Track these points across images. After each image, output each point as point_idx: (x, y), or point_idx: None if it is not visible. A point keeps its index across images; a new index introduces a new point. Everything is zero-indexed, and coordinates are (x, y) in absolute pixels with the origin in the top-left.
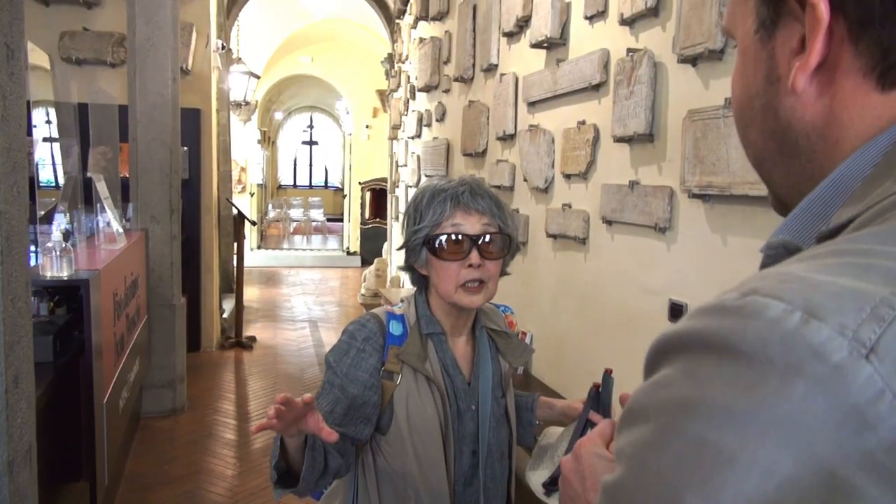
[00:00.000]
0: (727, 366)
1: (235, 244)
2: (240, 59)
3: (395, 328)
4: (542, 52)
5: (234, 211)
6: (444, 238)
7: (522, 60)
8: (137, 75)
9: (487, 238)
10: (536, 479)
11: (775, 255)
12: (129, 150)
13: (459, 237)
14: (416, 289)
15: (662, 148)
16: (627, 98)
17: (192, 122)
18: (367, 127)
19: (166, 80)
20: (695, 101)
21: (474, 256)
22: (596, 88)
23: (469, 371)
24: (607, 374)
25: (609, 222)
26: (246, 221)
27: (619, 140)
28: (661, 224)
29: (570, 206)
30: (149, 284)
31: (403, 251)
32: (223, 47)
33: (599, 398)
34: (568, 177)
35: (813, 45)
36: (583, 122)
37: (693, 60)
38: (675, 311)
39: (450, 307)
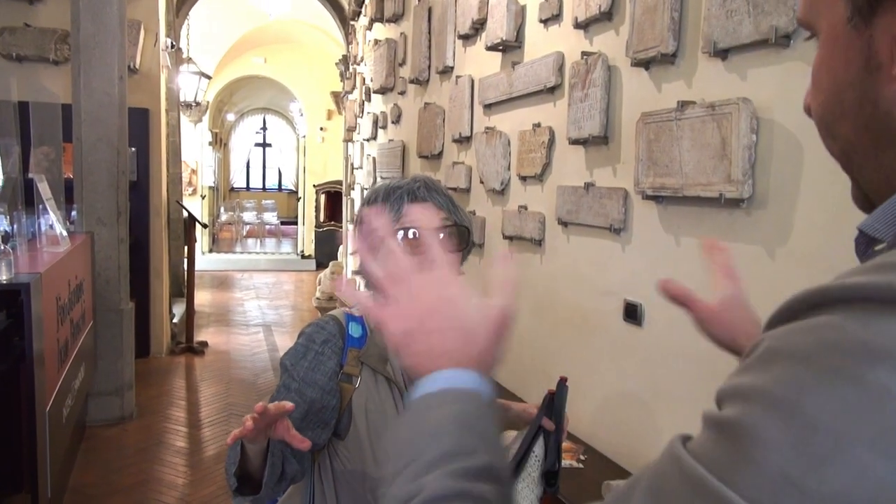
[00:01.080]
0: None
1: (186, 247)
2: (190, 58)
3: (355, 330)
4: (498, 55)
5: (185, 214)
6: (400, 234)
7: (478, 63)
8: (82, 73)
9: (445, 233)
10: None
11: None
12: (74, 151)
13: (417, 233)
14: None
15: (617, 150)
16: (582, 101)
17: (140, 123)
18: (321, 129)
19: (113, 78)
20: (648, 104)
21: (421, 248)
22: (551, 91)
23: None
24: (562, 381)
25: (565, 224)
26: (197, 224)
27: (574, 142)
28: (615, 225)
29: (526, 208)
30: (95, 289)
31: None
32: (172, 46)
33: (553, 405)
34: (524, 179)
35: None
36: (538, 125)
37: (646, 64)
38: (630, 311)
39: None
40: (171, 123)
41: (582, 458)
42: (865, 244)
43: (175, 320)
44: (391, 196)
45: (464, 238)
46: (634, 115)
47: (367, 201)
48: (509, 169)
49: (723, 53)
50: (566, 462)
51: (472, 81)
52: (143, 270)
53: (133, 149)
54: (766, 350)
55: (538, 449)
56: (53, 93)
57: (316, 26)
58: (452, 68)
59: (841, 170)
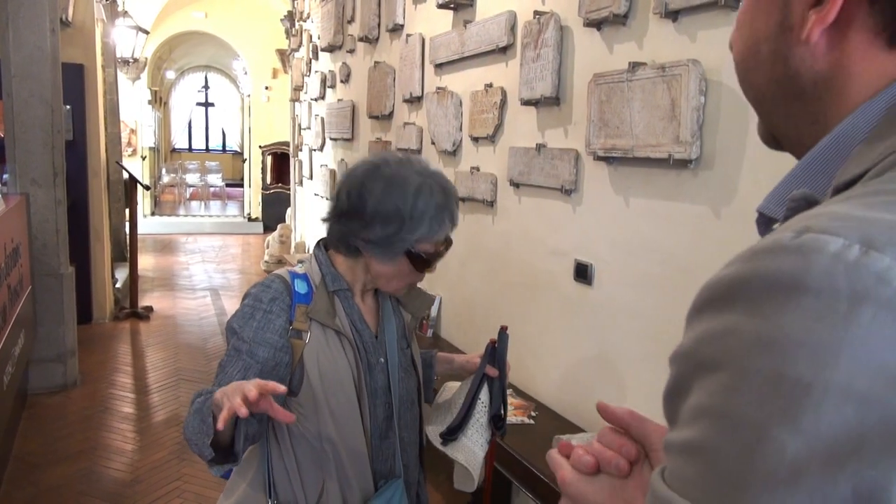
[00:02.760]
0: (794, 300)
1: (127, 210)
2: (126, 12)
3: (301, 286)
4: (450, 13)
5: (126, 175)
6: (430, 251)
7: (429, 21)
8: (10, 25)
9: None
10: (434, 431)
11: (796, 206)
12: (4, 108)
13: (437, 254)
14: (315, 246)
15: (568, 111)
16: (534, 61)
17: (75, 79)
18: (266, 88)
19: (44, 31)
20: (600, 65)
21: (434, 266)
22: (503, 51)
23: (375, 325)
24: (503, 330)
25: (516, 185)
26: (138, 186)
27: (526, 103)
28: (566, 186)
29: (478, 170)
30: (32, 253)
31: (341, 219)
32: None
33: (496, 353)
34: (476, 140)
35: (833, 1)
36: (490, 85)
37: (598, 24)
38: (581, 270)
39: (359, 268)
40: (108, 80)
41: (533, 414)
42: (764, 224)
43: (118, 285)
44: (439, 214)
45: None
46: (586, 76)
47: (405, 199)
48: (461, 130)
49: (673, 15)
50: (518, 418)
51: (423, 40)
52: (83, 234)
53: (68, 106)
54: (686, 368)
55: (484, 396)
56: None
57: None
58: (403, 26)
59: None
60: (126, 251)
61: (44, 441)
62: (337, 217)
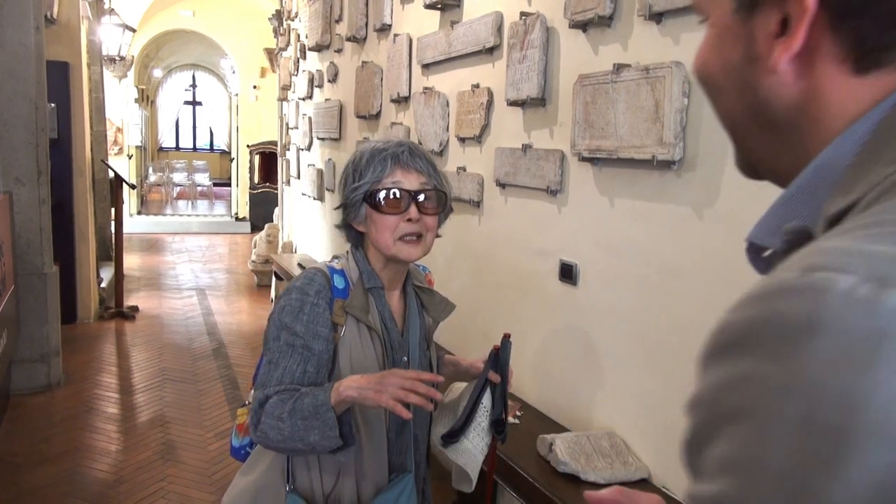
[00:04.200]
0: (812, 343)
1: (113, 209)
2: (112, 9)
3: (339, 282)
4: (437, 14)
5: (111, 174)
6: (383, 193)
7: (417, 21)
8: None
9: (424, 196)
10: (437, 431)
11: (792, 240)
12: None
13: (398, 193)
14: (352, 246)
15: (554, 112)
16: (521, 62)
17: (60, 77)
18: (254, 87)
19: (28, 28)
20: (585, 67)
21: (413, 211)
22: (490, 52)
23: (401, 324)
24: (506, 338)
25: (503, 185)
26: (124, 185)
27: (512, 104)
28: (552, 187)
29: (464, 170)
30: (15, 252)
31: (340, 210)
32: None
33: (498, 360)
34: (462, 140)
35: (797, 31)
36: (477, 86)
37: (584, 26)
38: (566, 271)
39: (387, 262)
40: (94, 78)
41: (519, 413)
42: (755, 251)
43: (103, 285)
44: (376, 157)
45: (442, 202)
46: (572, 78)
47: (354, 162)
48: (448, 130)
49: (658, 17)
50: None
51: (411, 40)
52: (68, 233)
53: (53, 105)
54: (703, 421)
55: (486, 400)
56: None
57: None
58: (390, 26)
59: None
60: (112, 250)
61: (27, 442)
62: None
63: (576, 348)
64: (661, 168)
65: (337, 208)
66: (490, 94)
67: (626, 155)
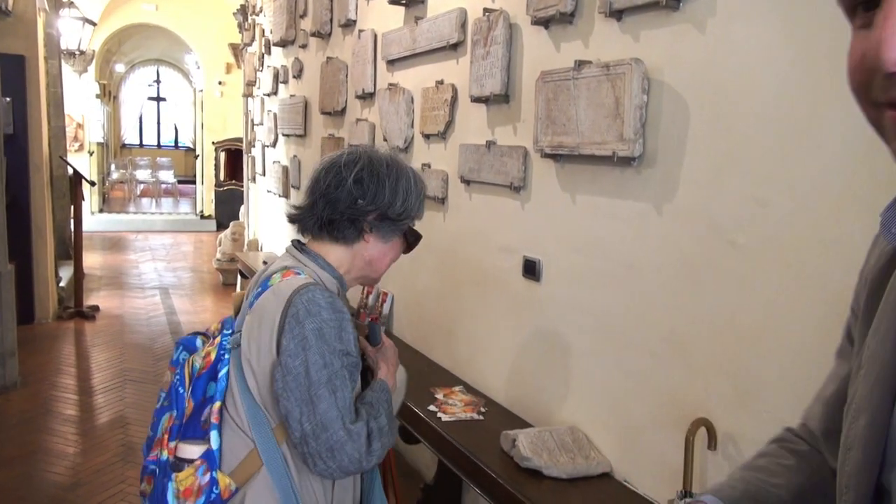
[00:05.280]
0: None
1: (73, 207)
2: (71, 2)
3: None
4: (401, 10)
5: (70, 170)
6: (413, 237)
7: (381, 17)
8: None
9: None
10: None
11: None
12: None
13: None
14: (306, 254)
15: (517, 108)
16: (484, 58)
17: (15, 70)
18: (220, 83)
19: None
20: (547, 63)
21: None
22: (454, 48)
23: None
24: (373, 321)
25: (467, 182)
26: (83, 181)
27: (476, 100)
28: (515, 183)
29: (429, 166)
30: None
31: (370, 208)
32: None
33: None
34: (427, 136)
35: None
36: (441, 82)
37: (546, 22)
38: (529, 267)
39: (358, 278)
40: (52, 72)
41: (483, 410)
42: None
43: (62, 284)
44: (421, 198)
45: None
46: (534, 74)
47: (415, 187)
48: (412, 126)
49: (618, 14)
50: (467, 415)
51: (375, 36)
52: (24, 231)
53: (8, 99)
54: None
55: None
56: None
57: None
58: (355, 22)
59: (723, 130)
60: (71, 249)
61: None
62: (348, 203)
63: (540, 344)
64: (622, 164)
65: (358, 206)
66: (454, 90)
67: (587, 151)
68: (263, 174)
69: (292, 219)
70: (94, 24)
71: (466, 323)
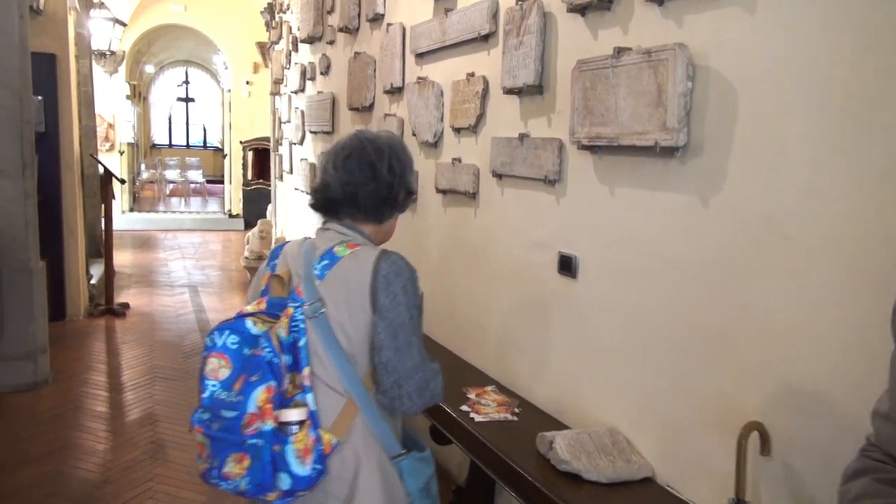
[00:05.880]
0: None
1: (103, 205)
2: (102, 3)
3: None
4: (430, 2)
5: (101, 168)
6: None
7: (410, 10)
8: None
9: None
10: None
11: None
12: None
13: None
14: (353, 230)
15: (552, 99)
16: (517, 48)
17: (46, 69)
18: (247, 83)
19: (12, 17)
20: (584, 52)
21: None
22: (485, 39)
23: None
24: None
25: (499, 176)
26: (114, 180)
27: (508, 92)
28: (550, 177)
29: (459, 161)
30: None
31: (402, 189)
32: None
33: None
34: (457, 130)
35: None
36: (472, 74)
37: (582, 10)
38: (565, 263)
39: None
40: (83, 72)
41: (517, 410)
42: None
43: (93, 281)
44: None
45: None
46: (570, 63)
47: (409, 156)
48: (442, 120)
49: None
50: (501, 415)
51: (404, 29)
52: (55, 228)
53: (39, 97)
54: None
55: None
56: None
57: None
58: (383, 16)
59: (775, 117)
60: (102, 247)
61: (10, 441)
62: (387, 188)
63: (577, 342)
64: (664, 155)
65: (393, 191)
66: (486, 82)
67: (627, 142)
68: (291, 172)
69: (327, 208)
70: (124, 24)
71: (499, 321)
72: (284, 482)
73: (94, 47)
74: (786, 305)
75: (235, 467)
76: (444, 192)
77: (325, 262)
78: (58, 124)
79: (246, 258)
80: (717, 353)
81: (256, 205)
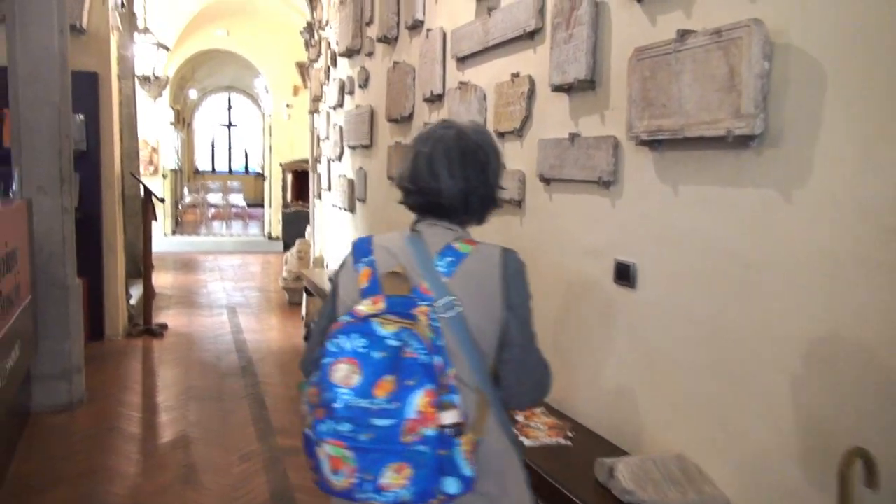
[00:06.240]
0: None
1: (143, 224)
2: (147, 28)
3: None
4: (472, 2)
5: (141, 187)
6: None
7: (451, 13)
8: (18, 25)
9: None
10: None
11: None
12: (11, 112)
13: None
14: (462, 228)
15: (605, 94)
16: (566, 42)
17: (88, 87)
18: (287, 106)
19: (52, 31)
20: (641, 39)
21: None
22: (531, 36)
23: None
24: None
25: (547, 180)
26: (155, 201)
27: (557, 89)
28: (604, 178)
29: (504, 167)
30: (35, 263)
31: (497, 196)
32: (122, 5)
33: None
34: (502, 135)
35: None
36: (517, 75)
37: None
38: (622, 271)
39: None
40: (126, 93)
41: (570, 434)
42: None
43: (133, 301)
44: None
45: None
46: (625, 53)
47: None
48: (485, 125)
49: None
50: (552, 440)
51: (444, 34)
52: (95, 247)
53: (81, 116)
54: None
55: None
56: None
57: None
58: (422, 22)
59: (873, 96)
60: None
61: (43, 462)
62: (493, 189)
63: (637, 359)
64: (738, 145)
65: (496, 191)
66: (531, 82)
67: (694, 133)
68: (329, 189)
69: (436, 212)
70: (167, 49)
71: (549, 336)
72: (451, 486)
73: (137, 71)
74: (891, 307)
75: (395, 478)
76: None
77: (449, 258)
78: (99, 143)
79: (284, 279)
80: (808, 370)
81: (295, 226)
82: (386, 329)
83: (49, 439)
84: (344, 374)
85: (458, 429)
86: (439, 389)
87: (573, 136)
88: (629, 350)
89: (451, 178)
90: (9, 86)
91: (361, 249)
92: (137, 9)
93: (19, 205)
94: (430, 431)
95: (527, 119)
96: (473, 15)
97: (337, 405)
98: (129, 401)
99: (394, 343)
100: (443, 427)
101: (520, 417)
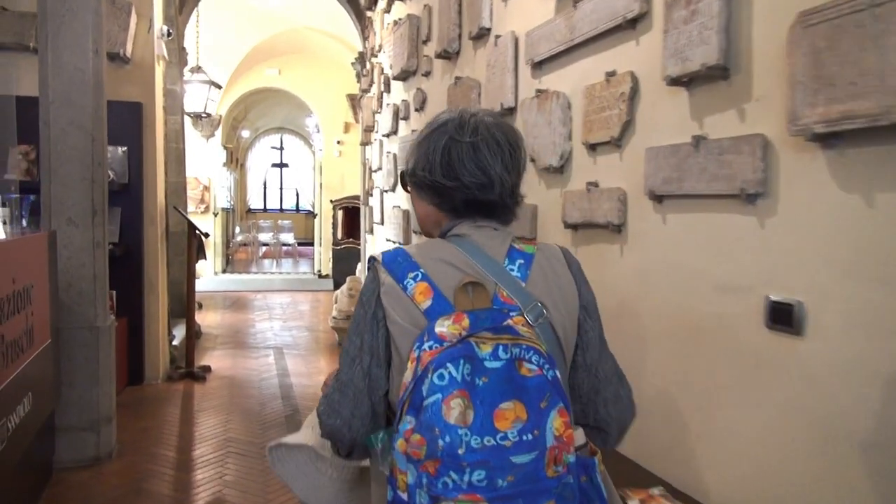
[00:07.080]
0: None
1: (188, 262)
2: (199, 67)
3: None
4: (551, 1)
5: (186, 223)
6: None
7: (523, 14)
8: (50, 46)
9: None
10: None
11: None
12: (41, 137)
13: None
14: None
15: (745, 82)
16: (687, 21)
17: (132, 118)
18: (338, 143)
19: (86, 52)
20: (800, 4)
21: None
22: (632, 24)
23: None
24: None
25: (659, 198)
26: (200, 235)
27: (673, 82)
28: (749, 189)
29: (596, 185)
30: (59, 301)
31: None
32: (169, 34)
33: None
34: (593, 147)
35: None
36: (613, 73)
37: None
38: (780, 313)
39: None
40: (173, 128)
41: None
42: None
43: (175, 342)
44: None
45: None
46: (778, 23)
47: None
48: (570, 138)
49: None
50: None
51: (516, 39)
52: (136, 285)
53: (124, 148)
54: None
55: None
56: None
57: (328, 33)
58: (489, 29)
59: None
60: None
61: None
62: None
63: (803, 428)
64: None
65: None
66: (634, 79)
67: None
68: (382, 223)
69: (483, 212)
70: (219, 87)
71: (665, 399)
72: None
73: (189, 108)
74: None
75: None
76: (574, 226)
77: (520, 261)
78: (142, 176)
79: (334, 318)
80: None
81: (346, 263)
82: (483, 349)
83: (69, 500)
84: (460, 412)
85: (588, 448)
86: (570, 407)
87: (698, 140)
88: (788, 414)
89: (506, 171)
90: (39, 110)
91: (401, 264)
92: (189, 45)
93: (37, 237)
94: (570, 457)
95: (628, 125)
96: (553, 12)
97: (461, 451)
98: (162, 455)
99: (495, 364)
100: (578, 449)
101: (633, 501)
